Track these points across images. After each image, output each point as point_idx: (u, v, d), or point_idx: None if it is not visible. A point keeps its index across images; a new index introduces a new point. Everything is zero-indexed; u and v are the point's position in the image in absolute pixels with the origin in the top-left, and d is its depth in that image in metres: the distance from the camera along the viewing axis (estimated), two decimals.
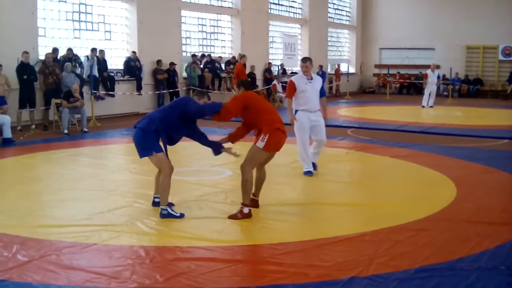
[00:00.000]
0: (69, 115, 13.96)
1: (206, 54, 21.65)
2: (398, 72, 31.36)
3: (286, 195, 7.61)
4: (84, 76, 16.30)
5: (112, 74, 17.69)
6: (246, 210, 6.39)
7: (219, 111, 6.40)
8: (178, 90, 19.58)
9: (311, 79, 8.76)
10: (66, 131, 13.49)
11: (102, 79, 17.04)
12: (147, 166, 9.41)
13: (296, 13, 28.01)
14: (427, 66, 23.61)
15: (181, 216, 6.43)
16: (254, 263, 5.04)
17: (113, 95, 17.38)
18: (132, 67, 18.20)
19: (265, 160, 6.70)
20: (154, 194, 6.89)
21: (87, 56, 16.52)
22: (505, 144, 12.59)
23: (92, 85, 15.67)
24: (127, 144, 12.49)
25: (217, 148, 6.82)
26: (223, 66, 22.41)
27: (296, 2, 27.96)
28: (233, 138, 6.89)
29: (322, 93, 8.96)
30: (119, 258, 5.12)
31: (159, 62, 18.94)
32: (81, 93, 14.49)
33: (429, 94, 21.95)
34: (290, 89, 8.77)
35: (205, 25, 22.32)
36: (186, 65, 20.36)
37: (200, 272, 4.79)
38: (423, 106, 21.87)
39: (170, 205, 6.58)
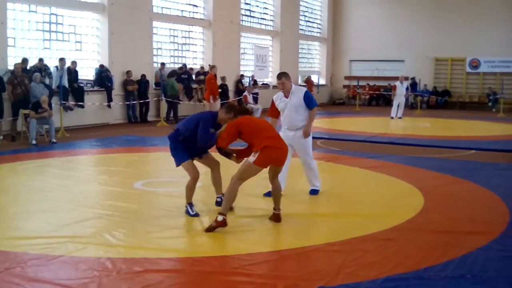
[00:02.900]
0: (37, 126, 13.77)
1: (182, 65, 21.68)
2: (368, 84, 31.70)
3: (256, 206, 7.61)
4: (54, 86, 16.13)
5: (82, 85, 17.55)
6: (220, 218, 6.32)
7: (215, 143, 6.85)
8: (148, 101, 19.53)
9: (289, 95, 7.99)
10: (34, 142, 13.31)
11: (71, 90, 16.90)
12: (116, 177, 9.42)
13: (267, 25, 28.15)
14: (396, 78, 23.91)
15: (196, 215, 6.95)
16: (223, 274, 5.02)
17: (82, 106, 17.23)
18: (103, 78, 18.09)
19: (273, 173, 6.79)
20: (216, 195, 7.45)
21: (56, 67, 16.37)
22: (472, 154, 12.78)
23: (61, 96, 15.53)
24: (96, 155, 12.43)
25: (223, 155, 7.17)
26: (193, 77, 22.38)
27: (267, 14, 28.11)
28: (240, 156, 6.99)
29: (309, 105, 8.02)
30: (85, 270, 5.06)
31: (128, 72, 18.87)
32: (50, 104, 14.34)
33: (398, 106, 22.22)
34: (271, 108, 8.27)
35: (176, 36, 22.30)
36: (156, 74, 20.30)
37: (168, 283, 4.76)
38: (392, 117, 22.13)
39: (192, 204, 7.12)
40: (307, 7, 31.65)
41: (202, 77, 21.78)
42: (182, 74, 21.01)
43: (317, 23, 32.86)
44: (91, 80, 18.36)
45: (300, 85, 27.06)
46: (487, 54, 29.31)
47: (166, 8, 21.48)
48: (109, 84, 18.22)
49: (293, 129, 8.08)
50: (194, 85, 21.88)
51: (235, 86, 24.42)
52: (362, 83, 30.84)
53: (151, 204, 7.70)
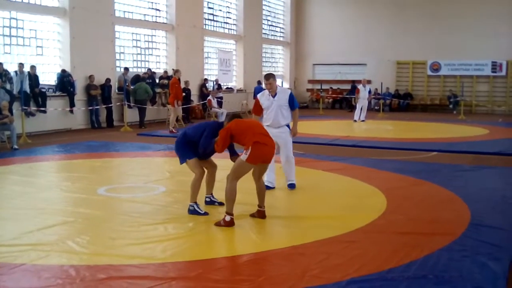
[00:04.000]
0: None
1: (146, 69, 21.58)
2: (331, 87, 31.95)
3: (219, 210, 7.60)
4: (15, 92, 15.89)
5: (44, 90, 17.32)
6: (228, 218, 6.68)
7: (213, 149, 7.22)
8: (111, 106, 19.37)
9: (275, 95, 8.61)
10: None
11: (33, 95, 16.66)
12: (79, 183, 9.31)
13: (231, 29, 28.19)
14: (359, 81, 24.15)
15: (205, 214, 7.23)
16: (186, 279, 5.00)
17: (44, 111, 17.00)
18: (64, 83, 17.86)
19: (259, 172, 7.06)
20: (206, 194, 7.76)
21: (16, 72, 16.13)
22: (434, 156, 12.98)
23: (22, 101, 15.30)
24: (58, 161, 12.27)
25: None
26: (157, 81, 22.27)
27: (230, 18, 28.14)
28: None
29: (292, 105, 8.74)
30: (48, 278, 4.99)
31: (91, 77, 18.69)
32: (11, 110, 14.11)
33: (361, 109, 22.45)
34: (255, 106, 8.83)
35: (139, 40, 22.16)
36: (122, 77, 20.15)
37: None
38: (355, 120, 22.35)
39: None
40: (269, 11, 31.78)
41: (165, 81, 21.71)
42: (147, 79, 20.91)
43: (280, 27, 33.03)
44: (53, 85, 18.13)
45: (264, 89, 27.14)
46: (447, 57, 29.85)
47: (129, 12, 21.34)
48: (71, 89, 18.03)
49: (275, 126, 8.64)
50: (158, 90, 21.77)
51: (199, 90, 24.37)
52: (325, 86, 31.11)
53: (114, 210, 7.63)
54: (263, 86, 8.82)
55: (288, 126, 8.87)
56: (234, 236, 6.63)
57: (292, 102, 8.73)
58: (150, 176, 10.32)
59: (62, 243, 6.01)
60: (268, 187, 8.58)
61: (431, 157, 12.82)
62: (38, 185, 9.35)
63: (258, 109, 8.80)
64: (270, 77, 8.60)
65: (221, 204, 7.50)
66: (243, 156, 6.72)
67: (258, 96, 8.87)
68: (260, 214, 7.15)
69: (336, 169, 10.76)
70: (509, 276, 5.17)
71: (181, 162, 7.43)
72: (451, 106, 29.25)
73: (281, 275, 5.10)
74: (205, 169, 7.49)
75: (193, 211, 7.28)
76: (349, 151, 13.73)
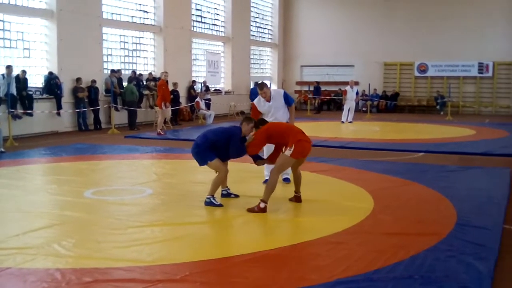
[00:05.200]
0: None
1: (131, 71, 21.54)
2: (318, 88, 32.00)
3: (206, 212, 7.60)
4: (1, 94, 15.80)
5: (30, 93, 17.23)
6: (262, 205, 7.40)
7: (245, 152, 7.87)
8: (99, 108, 19.31)
9: (270, 100, 9.21)
10: None
11: (20, 98, 16.57)
12: (66, 186, 9.26)
13: (219, 31, 28.18)
14: (347, 83, 24.23)
15: (220, 205, 7.77)
16: (173, 282, 4.99)
17: (31, 114, 16.92)
18: (52, 85, 17.78)
19: (297, 163, 7.83)
20: (222, 188, 8.24)
21: (3, 75, 16.03)
22: (421, 157, 13.03)
23: (9, 104, 15.22)
24: (45, 164, 12.20)
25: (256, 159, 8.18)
26: (145, 83, 22.23)
27: (218, 20, 28.14)
28: (270, 160, 8.19)
29: (288, 103, 9.37)
30: (34, 282, 4.96)
31: (79, 80, 18.63)
32: None
33: (348, 110, 22.50)
34: (253, 110, 9.40)
35: (127, 42, 22.11)
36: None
37: None
38: (343, 122, 22.41)
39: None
40: (258, 13, 31.82)
41: (152, 83, 21.69)
42: (133, 80, 20.88)
43: (268, 29, 33.06)
44: (40, 88, 18.05)
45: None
46: (434, 58, 30.01)
47: (116, 14, 21.30)
48: (58, 92, 17.96)
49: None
50: (145, 92, 21.74)
51: (187, 92, 24.34)
52: (313, 88, 31.16)
53: (101, 213, 7.60)
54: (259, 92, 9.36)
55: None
56: (221, 238, 6.64)
57: (287, 100, 9.37)
58: (137, 178, 10.29)
59: (48, 246, 5.97)
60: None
61: (418, 158, 12.87)
62: (24, 188, 9.29)
63: (256, 113, 9.22)
64: (263, 86, 9.22)
65: (236, 196, 8.29)
66: (287, 152, 7.50)
67: (255, 102, 9.40)
68: (297, 199, 8.06)
69: (323, 170, 10.78)
70: (495, 276, 5.20)
71: (201, 165, 7.87)
72: (438, 107, 29.42)
73: (268, 277, 5.10)
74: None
75: (209, 203, 7.77)
76: (337, 152, 13.76)
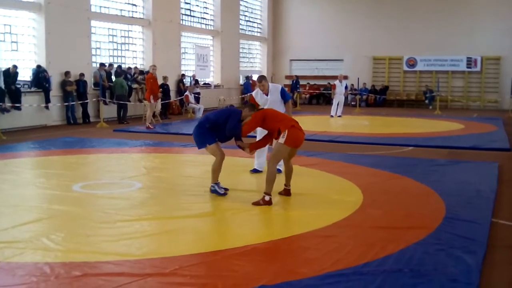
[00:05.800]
0: None
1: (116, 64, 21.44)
2: (308, 83, 32.05)
3: (196, 206, 7.59)
4: None
5: (19, 86, 17.11)
6: (267, 198, 7.44)
7: (240, 132, 7.89)
8: (87, 102, 19.22)
9: (268, 94, 9.47)
10: None
11: (8, 91, 16.45)
12: (54, 180, 9.22)
13: (208, 24, 28.09)
14: (336, 77, 24.26)
15: (224, 194, 7.94)
16: (163, 276, 4.98)
17: (19, 108, 16.82)
18: (40, 78, 17.67)
19: (289, 155, 7.86)
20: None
21: None
22: (410, 151, 13.07)
23: None
24: (33, 157, 12.13)
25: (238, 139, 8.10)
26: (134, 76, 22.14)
27: (208, 13, 28.05)
28: (253, 147, 8.27)
29: (285, 98, 9.62)
30: (22, 276, 4.93)
31: (67, 73, 18.52)
32: None
33: (338, 104, 22.53)
34: (251, 101, 9.46)
35: (115, 35, 21.99)
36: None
37: (108, 287, 4.69)
38: (332, 116, 22.44)
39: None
40: (247, 6, 31.76)
41: (140, 77, 21.61)
42: (121, 74, 20.78)
43: (257, 23, 33.02)
44: (28, 81, 17.92)
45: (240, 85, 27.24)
46: (423, 53, 30.10)
47: (105, 7, 21.18)
48: (47, 85, 17.84)
49: None
50: (134, 85, 21.66)
51: (176, 86, 24.25)
52: (302, 82, 31.20)
53: (90, 206, 7.57)
54: (257, 87, 9.67)
55: None
56: (210, 232, 6.64)
57: (284, 96, 9.63)
58: (126, 172, 10.26)
59: (37, 240, 5.95)
60: (256, 171, 9.84)
61: (407, 152, 12.91)
62: (12, 182, 9.23)
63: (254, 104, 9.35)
64: (262, 79, 9.48)
65: (226, 190, 8.13)
66: (281, 140, 7.50)
67: (253, 94, 9.73)
68: (286, 192, 8.08)
69: (312, 164, 10.80)
70: (483, 269, 5.22)
71: (200, 147, 8.09)
72: (427, 101, 29.52)
73: (257, 270, 5.10)
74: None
75: (214, 191, 7.99)
76: (326, 146, 13.78)
